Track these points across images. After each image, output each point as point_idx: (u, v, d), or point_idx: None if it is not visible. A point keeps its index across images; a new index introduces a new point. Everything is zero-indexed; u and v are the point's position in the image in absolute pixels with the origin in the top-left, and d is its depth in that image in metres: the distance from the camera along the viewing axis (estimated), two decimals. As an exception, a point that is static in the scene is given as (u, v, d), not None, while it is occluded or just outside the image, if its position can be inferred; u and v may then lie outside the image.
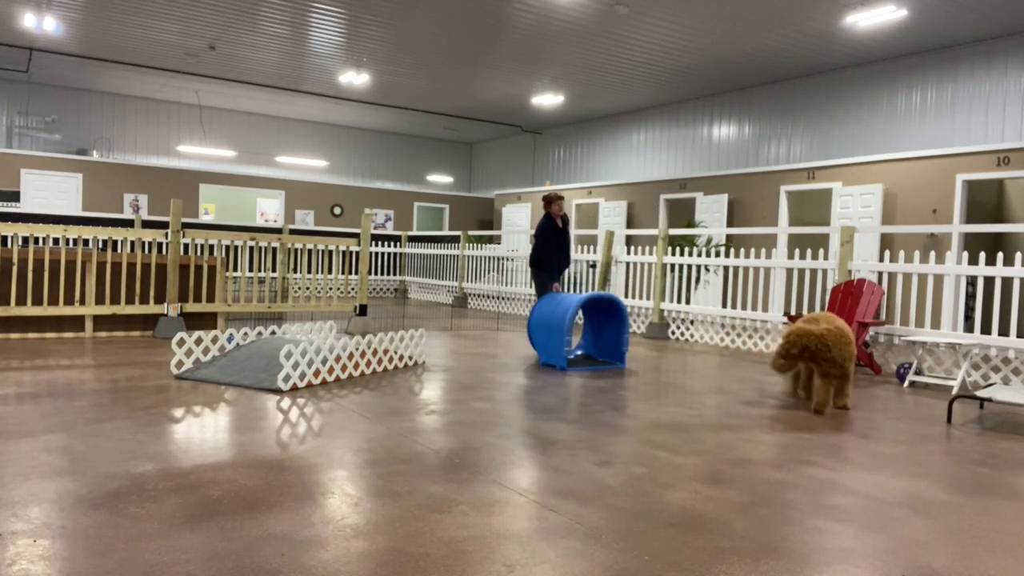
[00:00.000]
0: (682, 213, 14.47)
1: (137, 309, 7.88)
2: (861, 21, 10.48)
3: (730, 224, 12.96)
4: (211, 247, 10.47)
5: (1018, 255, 6.59)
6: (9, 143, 16.78)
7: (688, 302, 10.13)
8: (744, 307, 11.12)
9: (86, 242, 10.80)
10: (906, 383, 6.58)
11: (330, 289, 14.41)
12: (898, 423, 4.93)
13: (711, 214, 13.28)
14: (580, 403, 5.18)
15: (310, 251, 14.74)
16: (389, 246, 16.94)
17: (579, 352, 7.58)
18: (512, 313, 13.09)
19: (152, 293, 7.99)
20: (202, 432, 3.94)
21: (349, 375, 5.83)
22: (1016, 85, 10.97)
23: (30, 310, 7.34)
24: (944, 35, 11.22)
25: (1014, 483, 3.59)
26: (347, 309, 9.31)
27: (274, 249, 12.87)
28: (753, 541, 2.69)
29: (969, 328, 10.17)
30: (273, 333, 6.69)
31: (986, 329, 9.72)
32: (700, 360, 7.84)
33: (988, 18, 10.41)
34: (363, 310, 9.28)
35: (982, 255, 7.05)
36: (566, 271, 9.09)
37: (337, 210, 19.08)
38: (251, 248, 13.85)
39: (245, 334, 6.33)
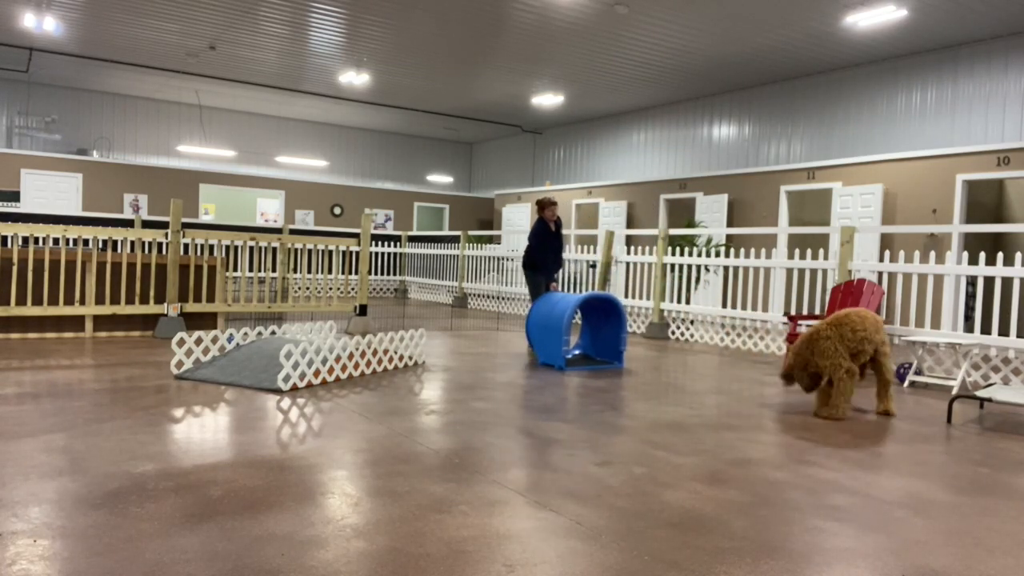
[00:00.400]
0: (682, 213, 14.47)
1: (137, 309, 7.88)
2: (861, 21, 10.48)
3: (730, 224, 12.96)
4: (211, 247, 10.48)
5: (1018, 255, 6.58)
6: (9, 143, 16.78)
7: (688, 302, 10.13)
8: (744, 307, 11.13)
9: (86, 242, 10.80)
10: (906, 383, 6.58)
11: (330, 289, 14.41)
12: (898, 423, 4.93)
13: (711, 214, 13.27)
14: (580, 403, 5.18)
15: (310, 251, 14.74)
16: (389, 246, 16.94)
17: (577, 352, 7.58)
18: (512, 313, 13.09)
19: (152, 293, 7.99)
20: (202, 432, 3.94)
21: (349, 375, 5.83)
22: (1016, 85, 10.97)
23: (30, 310, 7.34)
24: (944, 35, 11.22)
25: (1014, 483, 3.59)
26: (347, 309, 9.31)
27: (274, 249, 12.87)
28: (753, 541, 2.69)
29: (969, 328, 10.17)
30: (273, 333, 6.69)
31: (986, 329, 9.72)
32: (700, 360, 7.84)
33: (988, 18, 10.41)
34: (363, 310, 9.28)
35: (982, 255, 7.05)
36: (559, 273, 9.26)
37: (337, 210, 19.08)
38: (251, 248, 13.85)
39: (245, 334, 6.33)
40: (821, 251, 8.40)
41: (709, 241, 10.74)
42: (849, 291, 7.44)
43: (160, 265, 8.16)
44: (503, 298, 13.54)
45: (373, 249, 16.60)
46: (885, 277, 7.60)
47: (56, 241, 11.27)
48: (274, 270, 13.40)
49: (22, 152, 15.42)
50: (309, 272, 15.46)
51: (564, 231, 10.18)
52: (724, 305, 11.20)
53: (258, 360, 5.64)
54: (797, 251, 8.70)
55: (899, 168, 10.59)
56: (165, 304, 7.98)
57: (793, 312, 8.63)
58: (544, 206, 8.19)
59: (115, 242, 9.18)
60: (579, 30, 11.74)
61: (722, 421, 4.76)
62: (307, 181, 19.04)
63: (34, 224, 8.30)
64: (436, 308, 13.81)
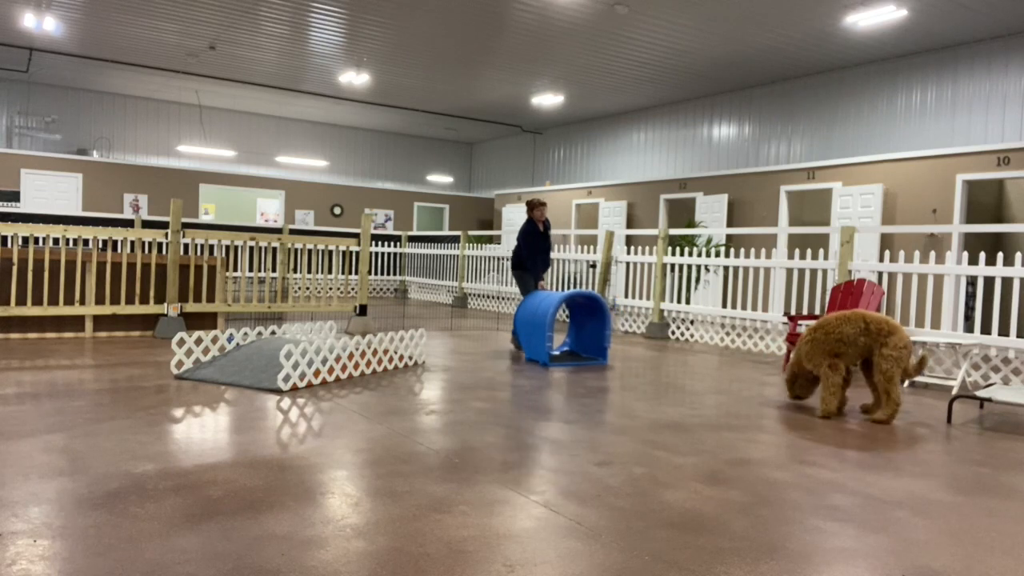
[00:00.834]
0: (682, 213, 14.47)
1: (137, 309, 7.88)
2: (861, 21, 10.48)
3: (730, 224, 12.95)
4: (211, 247, 10.48)
5: (1018, 255, 6.58)
6: (9, 143, 16.77)
7: (688, 302, 10.13)
8: (744, 307, 11.12)
9: (86, 242, 10.79)
10: (906, 383, 6.58)
11: (330, 289, 14.41)
12: (898, 423, 4.93)
13: (711, 214, 13.27)
14: (580, 403, 5.18)
15: (310, 251, 14.74)
16: (389, 246, 16.94)
17: (564, 348, 7.77)
18: (512, 313, 13.08)
19: (152, 293, 7.99)
20: (202, 432, 3.94)
21: (349, 375, 5.83)
22: (1016, 85, 10.97)
23: (30, 310, 7.34)
24: (944, 35, 11.21)
25: (1014, 483, 3.59)
26: (347, 309, 9.31)
27: (274, 249, 12.87)
28: (753, 541, 2.69)
29: (969, 328, 10.17)
30: (273, 333, 6.69)
31: (986, 329, 9.72)
32: (700, 360, 7.84)
33: (988, 18, 10.41)
34: (363, 310, 9.28)
35: (982, 255, 7.05)
36: (547, 272, 9.54)
37: (337, 210, 19.08)
38: (251, 248, 13.85)
39: (245, 334, 6.33)
40: (821, 251, 8.40)
41: (709, 241, 10.74)
42: (849, 291, 7.44)
43: (160, 265, 8.16)
44: (503, 298, 13.54)
45: (373, 249, 16.59)
46: (885, 277, 7.61)
47: (56, 241, 11.27)
48: (274, 270, 13.39)
49: (22, 152, 15.42)
50: (309, 272, 15.46)
51: (564, 231, 10.22)
52: (724, 305, 11.20)
53: (258, 360, 5.64)
54: (797, 251, 8.70)
55: (899, 168, 10.58)
56: (165, 304, 7.98)
57: (793, 312, 8.63)
58: (533, 206, 8.38)
59: (115, 242, 9.18)
60: (579, 30, 11.74)
61: (722, 421, 4.76)
62: (307, 181, 19.04)
63: (34, 224, 8.30)
64: (436, 308, 13.81)
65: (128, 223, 13.89)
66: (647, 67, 13.72)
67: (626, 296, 10.81)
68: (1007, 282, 8.95)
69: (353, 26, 12.13)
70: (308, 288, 14.15)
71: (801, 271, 10.55)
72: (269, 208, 19.93)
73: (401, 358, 6.49)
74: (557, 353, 7.49)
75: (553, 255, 12.15)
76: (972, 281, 9.77)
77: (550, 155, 20.23)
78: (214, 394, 4.99)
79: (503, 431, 4.23)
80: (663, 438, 4.22)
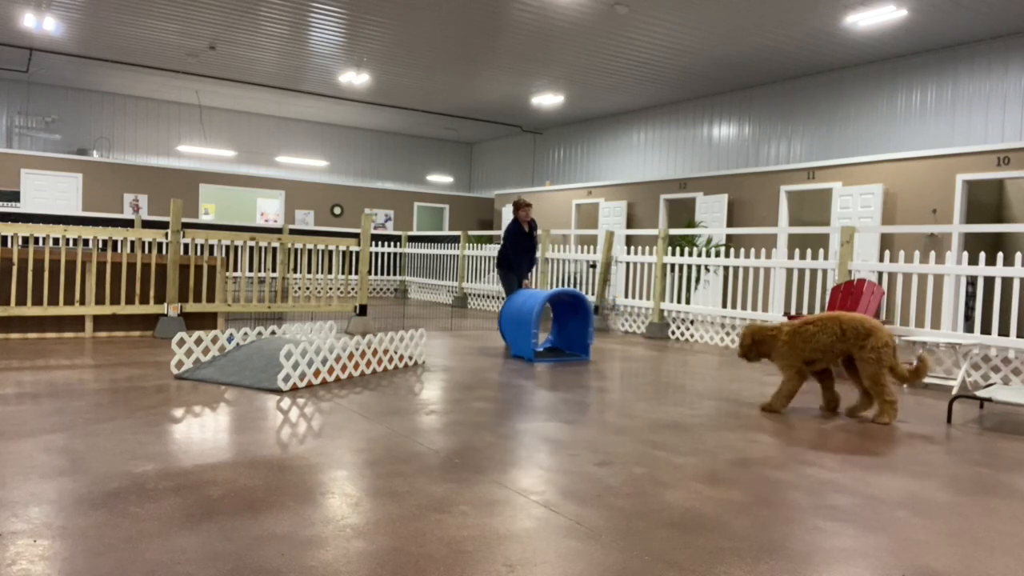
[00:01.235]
0: (682, 213, 14.47)
1: (137, 309, 7.88)
2: (861, 21, 10.48)
3: (730, 224, 12.95)
4: (211, 247, 10.48)
5: (1018, 255, 6.58)
6: (9, 143, 16.78)
7: (688, 302, 10.13)
8: (744, 307, 11.12)
9: (86, 242, 10.79)
10: (905, 387, 6.57)
11: (330, 289, 14.41)
12: (898, 423, 4.93)
13: (711, 214, 13.27)
14: (580, 403, 5.18)
15: (310, 251, 14.74)
16: (389, 246, 16.94)
17: (547, 345, 7.93)
18: (512, 313, 13.08)
19: (152, 293, 7.99)
20: (202, 432, 3.94)
21: (349, 375, 5.83)
22: (1016, 85, 10.97)
23: (30, 310, 7.34)
24: (944, 35, 11.22)
25: (1014, 483, 3.59)
26: (347, 309, 9.31)
27: (274, 249, 12.87)
28: (753, 541, 2.69)
29: (969, 328, 10.17)
30: (273, 333, 6.69)
31: (986, 329, 9.72)
32: (700, 360, 7.84)
33: (988, 18, 10.41)
34: (363, 310, 9.28)
35: (982, 255, 7.05)
36: (532, 271, 9.67)
37: (337, 210, 19.08)
38: (251, 248, 13.85)
39: (245, 334, 6.33)
40: (821, 251, 8.40)
41: (709, 241, 10.74)
42: (849, 291, 7.44)
43: (160, 265, 8.15)
44: (503, 298, 13.53)
45: (373, 249, 16.59)
46: (885, 277, 7.60)
47: (56, 241, 11.27)
48: (274, 270, 13.40)
49: (22, 152, 15.42)
50: (309, 272, 15.46)
51: (564, 231, 10.24)
52: (724, 305, 11.20)
53: (258, 360, 5.64)
54: (797, 251, 8.70)
55: (899, 168, 10.58)
56: (165, 304, 7.98)
57: (793, 312, 8.62)
58: (519, 207, 8.54)
59: (115, 242, 9.18)
60: (579, 30, 11.74)
61: (722, 421, 4.76)
62: (307, 181, 19.04)
63: (34, 224, 8.30)
64: (436, 308, 13.81)
65: (128, 223, 13.89)
66: (647, 67, 13.72)
67: (626, 296, 10.81)
68: (1007, 282, 8.96)
69: (353, 26, 12.13)
70: (308, 288, 14.15)
71: (801, 271, 10.55)
72: (269, 208, 19.93)
73: (401, 358, 6.49)
74: (541, 349, 7.66)
75: (553, 255, 12.15)
76: (972, 281, 9.78)
77: (550, 155, 20.23)
78: (214, 394, 4.99)
79: (503, 431, 4.23)
80: (663, 438, 4.22)
